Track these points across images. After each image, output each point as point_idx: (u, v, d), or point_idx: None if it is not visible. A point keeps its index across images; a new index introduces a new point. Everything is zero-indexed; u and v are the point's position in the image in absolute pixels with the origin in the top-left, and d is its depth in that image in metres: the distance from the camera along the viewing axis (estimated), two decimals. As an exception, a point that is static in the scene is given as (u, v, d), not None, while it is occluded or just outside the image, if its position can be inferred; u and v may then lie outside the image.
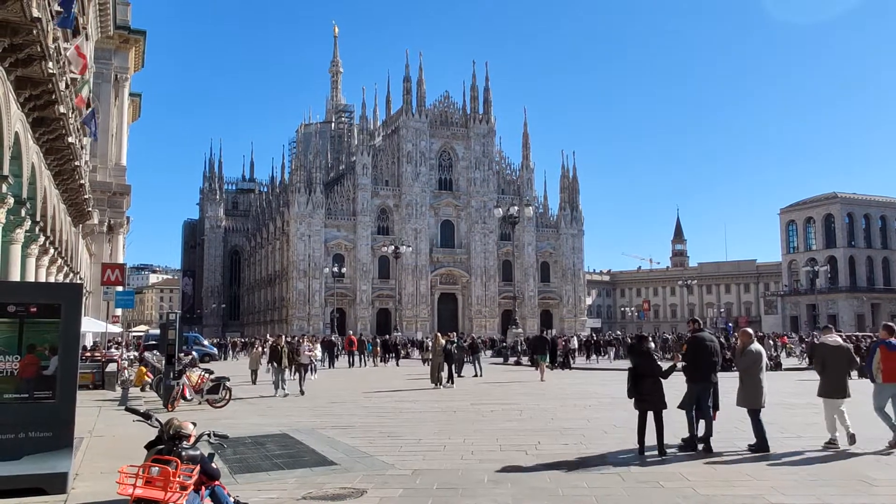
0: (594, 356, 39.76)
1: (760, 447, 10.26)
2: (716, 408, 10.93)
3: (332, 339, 45.17)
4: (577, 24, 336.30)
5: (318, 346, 32.97)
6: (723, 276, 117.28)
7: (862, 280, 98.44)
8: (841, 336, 15.67)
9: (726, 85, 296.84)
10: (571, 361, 34.06)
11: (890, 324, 11.61)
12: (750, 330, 11.81)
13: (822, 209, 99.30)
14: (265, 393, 21.37)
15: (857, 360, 13.08)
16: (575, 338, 45.06)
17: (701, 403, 10.62)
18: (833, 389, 10.84)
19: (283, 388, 20.88)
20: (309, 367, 23.62)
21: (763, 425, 10.45)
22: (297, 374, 22.06)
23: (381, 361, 41.82)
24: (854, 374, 12.75)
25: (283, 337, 24.78)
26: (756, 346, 10.97)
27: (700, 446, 10.46)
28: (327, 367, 34.45)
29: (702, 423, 10.66)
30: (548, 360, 27.79)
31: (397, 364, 39.76)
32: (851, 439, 10.50)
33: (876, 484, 8.33)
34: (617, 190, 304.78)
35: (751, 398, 10.58)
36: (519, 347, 38.90)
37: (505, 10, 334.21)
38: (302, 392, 20.94)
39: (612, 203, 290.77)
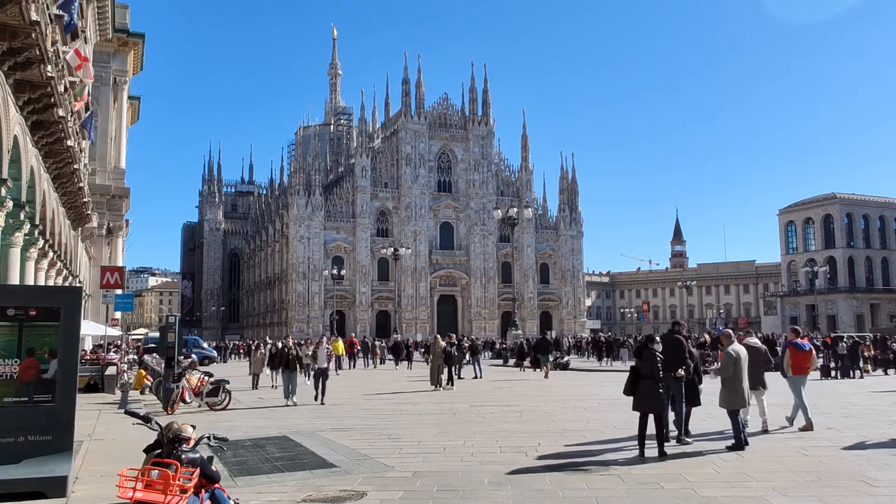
0: (606, 359, 37.76)
1: (737, 447, 10.60)
2: (696, 403, 11.74)
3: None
4: (576, 25, 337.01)
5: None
6: (722, 276, 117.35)
7: (861, 280, 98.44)
8: (759, 338, 17.67)
9: (725, 85, 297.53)
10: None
11: (796, 327, 14.44)
12: (730, 331, 12.60)
13: (821, 210, 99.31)
14: (265, 396, 21.34)
15: (772, 359, 16.08)
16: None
17: (675, 399, 11.13)
18: (753, 383, 11.95)
19: (294, 397, 18.75)
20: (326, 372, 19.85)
21: (740, 425, 10.77)
22: (316, 382, 19.28)
23: (380, 362, 41.66)
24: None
25: (291, 338, 21.66)
26: (735, 346, 11.34)
27: (672, 438, 10.96)
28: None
29: (678, 416, 11.32)
30: (550, 360, 29.70)
31: (409, 367, 37.35)
32: (744, 424, 11.56)
33: (877, 484, 8.33)
34: (616, 191, 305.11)
35: (728, 399, 10.90)
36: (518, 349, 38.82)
37: (504, 12, 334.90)
38: (322, 402, 18.60)
39: (612, 204, 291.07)
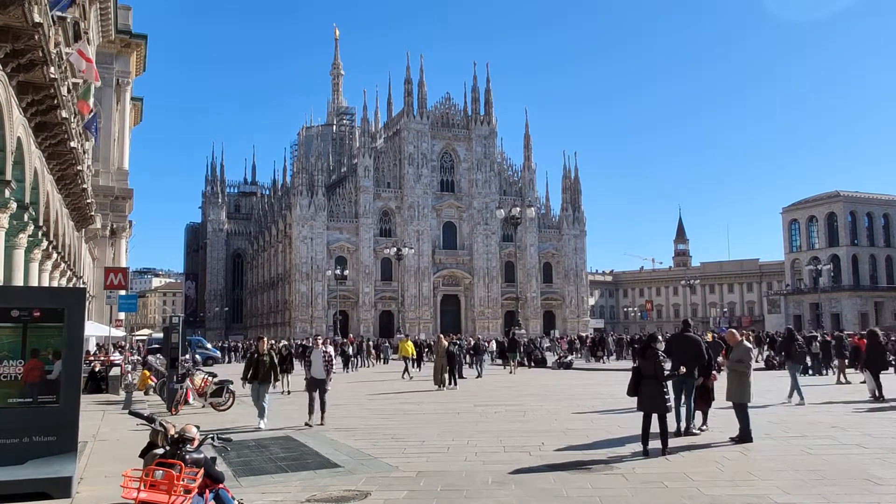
0: (625, 359, 35.94)
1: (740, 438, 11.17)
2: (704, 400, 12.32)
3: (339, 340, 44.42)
4: (579, 24, 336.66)
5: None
6: (725, 275, 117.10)
7: (865, 279, 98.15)
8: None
9: (728, 84, 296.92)
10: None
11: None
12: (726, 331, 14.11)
13: (825, 208, 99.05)
14: (269, 395, 21.29)
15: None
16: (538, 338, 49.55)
17: (685, 396, 11.69)
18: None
19: (262, 421, 14.03)
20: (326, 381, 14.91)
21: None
22: (310, 397, 14.63)
23: (383, 363, 41.42)
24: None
25: (266, 340, 15.57)
26: (745, 342, 12.07)
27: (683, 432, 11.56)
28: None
29: (683, 412, 11.88)
30: (517, 358, 32.63)
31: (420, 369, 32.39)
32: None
33: (881, 483, 8.30)
34: (619, 190, 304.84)
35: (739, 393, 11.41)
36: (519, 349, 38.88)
37: (506, 12, 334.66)
38: (321, 422, 14.26)
39: (614, 203, 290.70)
